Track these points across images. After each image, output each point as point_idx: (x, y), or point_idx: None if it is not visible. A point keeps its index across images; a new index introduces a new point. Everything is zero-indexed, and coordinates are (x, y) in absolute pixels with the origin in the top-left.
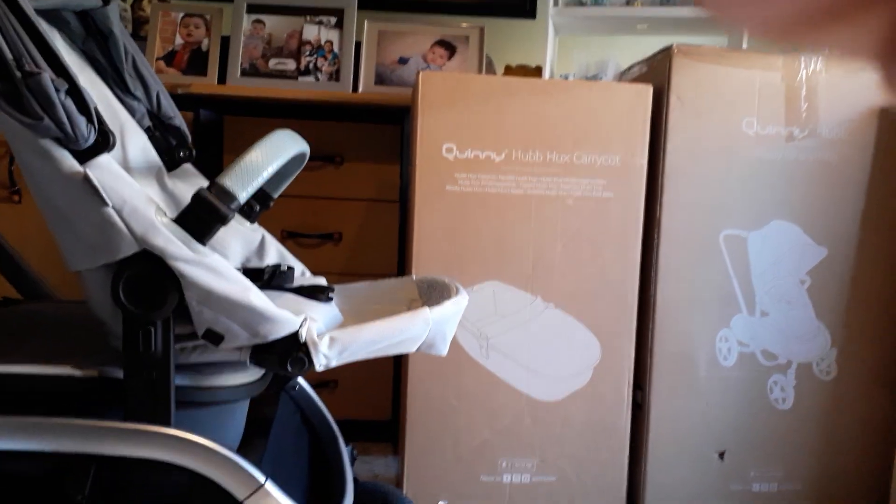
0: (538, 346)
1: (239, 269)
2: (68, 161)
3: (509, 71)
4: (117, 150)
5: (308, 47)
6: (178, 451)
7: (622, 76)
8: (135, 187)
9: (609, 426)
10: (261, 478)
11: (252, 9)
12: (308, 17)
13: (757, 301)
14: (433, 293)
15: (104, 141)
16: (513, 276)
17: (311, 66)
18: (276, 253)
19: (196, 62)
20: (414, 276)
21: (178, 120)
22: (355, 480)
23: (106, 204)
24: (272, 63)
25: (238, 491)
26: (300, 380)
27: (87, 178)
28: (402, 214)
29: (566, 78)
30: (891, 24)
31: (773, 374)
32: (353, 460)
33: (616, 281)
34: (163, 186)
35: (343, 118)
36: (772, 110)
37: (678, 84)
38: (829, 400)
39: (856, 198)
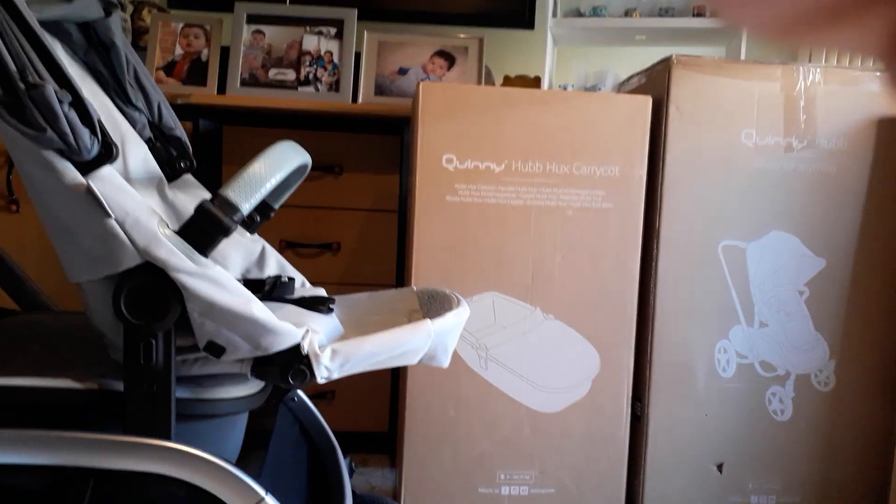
0: (537, 357)
1: (239, 281)
2: (71, 173)
3: (508, 81)
4: (118, 161)
5: (308, 58)
6: (177, 464)
7: (621, 87)
8: (137, 199)
9: (608, 437)
10: (261, 491)
11: (252, 19)
12: (308, 28)
13: (756, 312)
14: (434, 304)
15: (107, 152)
16: (512, 286)
17: (310, 76)
18: (276, 264)
19: (196, 72)
20: (414, 287)
21: (179, 131)
22: (353, 493)
23: (108, 216)
24: (272, 73)
25: None
26: (299, 391)
27: (89, 190)
28: (401, 224)
29: (565, 88)
30: (894, 22)
31: (772, 386)
32: (351, 473)
33: (615, 292)
34: (163, 197)
35: (342, 128)
36: (771, 121)
37: (677, 95)
38: (827, 411)
39: (854, 208)
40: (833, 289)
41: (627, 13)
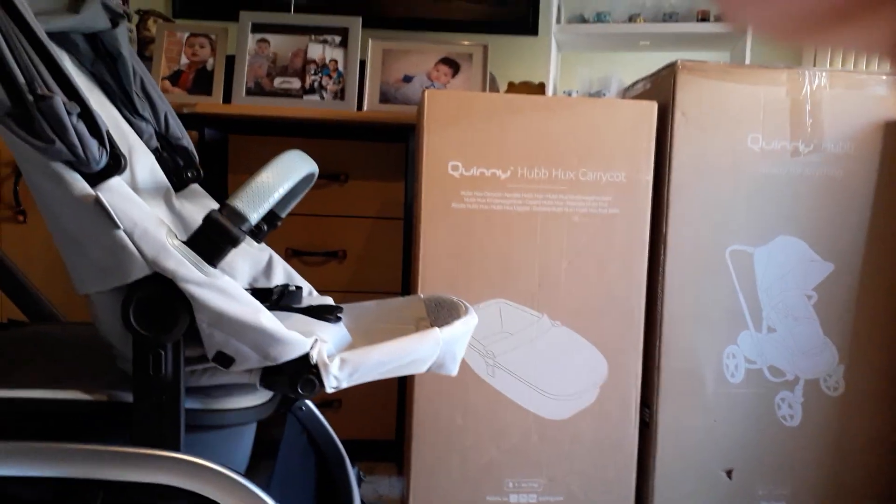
0: (545, 364)
1: (247, 290)
2: (79, 184)
3: (512, 88)
4: (126, 171)
5: (313, 66)
6: (187, 475)
7: (626, 92)
8: (145, 210)
9: (616, 444)
10: (270, 502)
11: (257, 28)
12: (313, 36)
13: (764, 317)
14: (441, 312)
15: (115, 164)
16: (519, 293)
17: (315, 84)
18: (283, 273)
19: (201, 81)
20: (421, 295)
21: (186, 140)
22: (362, 502)
23: (117, 227)
24: (277, 82)
25: None
26: (307, 400)
27: (98, 202)
28: (407, 232)
29: (569, 94)
30: None
31: (781, 391)
32: (359, 482)
33: (622, 297)
34: (171, 207)
35: (348, 136)
36: (777, 125)
37: (683, 100)
38: (837, 416)
39: (862, 212)
40: (841, 293)
41: (631, 19)
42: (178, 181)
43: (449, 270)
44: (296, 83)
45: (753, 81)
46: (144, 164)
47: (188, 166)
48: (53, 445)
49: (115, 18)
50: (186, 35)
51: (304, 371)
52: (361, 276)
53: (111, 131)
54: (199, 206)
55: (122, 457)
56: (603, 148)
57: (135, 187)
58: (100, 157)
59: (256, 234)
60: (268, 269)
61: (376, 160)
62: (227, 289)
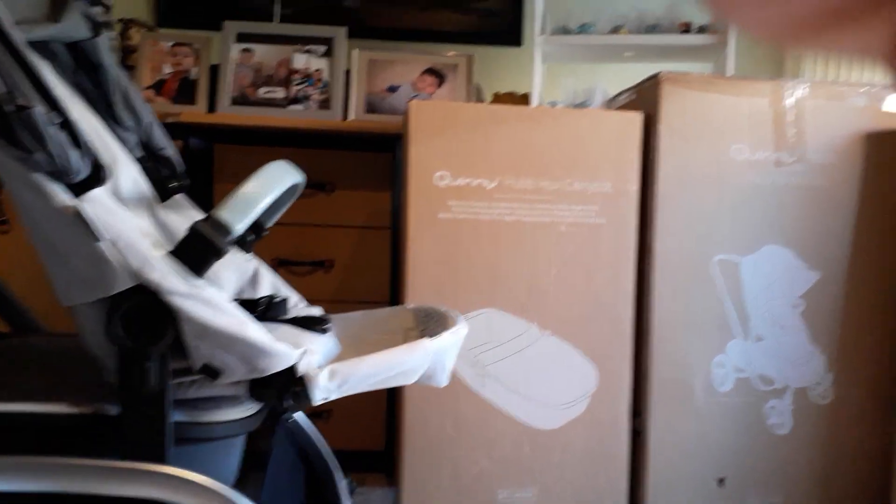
0: (535, 373)
1: (233, 301)
2: (60, 195)
3: (497, 98)
4: (109, 182)
5: (297, 76)
6: (174, 489)
7: (610, 103)
8: (128, 221)
9: (608, 453)
10: None
11: (241, 38)
12: (297, 46)
13: (752, 326)
14: (430, 323)
15: (97, 174)
16: (507, 303)
17: (300, 94)
18: (269, 283)
19: (185, 91)
20: (410, 305)
21: (170, 150)
22: None
23: (100, 238)
24: (261, 91)
25: None
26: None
27: (79, 213)
28: (394, 241)
29: (554, 105)
30: None
31: (770, 400)
32: (351, 492)
33: (610, 306)
34: (155, 218)
35: (333, 146)
36: (760, 136)
37: (667, 111)
38: (826, 424)
39: (846, 221)
40: (828, 301)
41: (615, 30)
42: (163, 191)
43: (437, 280)
44: (280, 93)
45: (736, 93)
46: (128, 174)
47: (173, 176)
48: (38, 460)
49: (96, 27)
50: (170, 44)
51: (292, 383)
52: (349, 286)
53: (94, 141)
54: (183, 216)
55: (108, 471)
56: (589, 158)
57: (118, 198)
58: (81, 168)
59: (243, 244)
60: (254, 279)
61: (363, 170)
62: (213, 300)
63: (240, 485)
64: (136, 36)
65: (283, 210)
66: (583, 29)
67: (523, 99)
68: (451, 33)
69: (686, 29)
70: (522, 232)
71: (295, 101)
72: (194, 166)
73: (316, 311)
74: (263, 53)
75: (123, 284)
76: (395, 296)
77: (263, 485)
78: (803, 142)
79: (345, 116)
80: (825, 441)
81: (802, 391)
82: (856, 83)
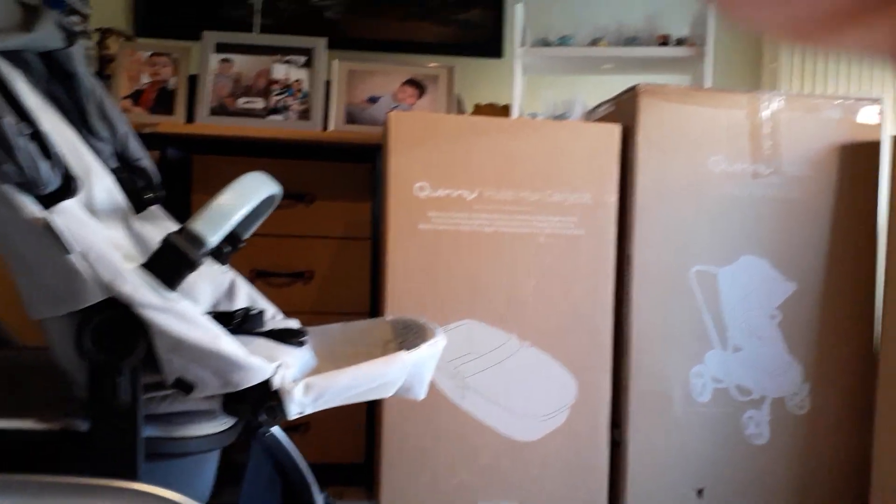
0: (515, 385)
1: (209, 313)
2: (30, 207)
3: (478, 109)
4: (82, 193)
5: (277, 86)
6: None
7: (589, 115)
8: (100, 233)
9: (588, 465)
10: None
11: (220, 48)
12: (277, 57)
13: (729, 336)
14: (409, 335)
15: (68, 186)
16: (487, 314)
17: (280, 104)
18: (246, 295)
19: (163, 101)
20: (388, 317)
21: (146, 161)
22: None
23: (70, 251)
24: (241, 102)
25: None
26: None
27: (49, 225)
28: (374, 252)
29: (534, 116)
30: None
31: (748, 410)
32: None
33: (589, 318)
34: (129, 229)
35: (313, 157)
36: (737, 148)
37: (645, 123)
38: (803, 434)
39: (822, 233)
40: (804, 312)
41: (594, 42)
42: (138, 202)
43: (417, 291)
44: (259, 103)
45: (713, 105)
46: (102, 185)
47: (148, 187)
48: (6, 477)
49: (70, 37)
50: (148, 54)
51: (267, 397)
52: (328, 298)
53: (67, 152)
54: (159, 227)
55: (77, 488)
56: (568, 170)
57: (92, 209)
58: (51, 180)
59: (219, 256)
60: (230, 291)
61: (343, 180)
62: (186, 313)
63: (215, 500)
64: (113, 45)
65: (260, 221)
66: (563, 41)
67: (504, 110)
68: (432, 44)
69: (664, 41)
70: (502, 243)
71: (274, 111)
72: (172, 177)
73: (293, 324)
74: (243, 64)
75: (94, 297)
76: (374, 307)
77: (239, 500)
78: (779, 154)
79: (325, 127)
80: (802, 451)
81: (780, 401)
82: (831, 96)
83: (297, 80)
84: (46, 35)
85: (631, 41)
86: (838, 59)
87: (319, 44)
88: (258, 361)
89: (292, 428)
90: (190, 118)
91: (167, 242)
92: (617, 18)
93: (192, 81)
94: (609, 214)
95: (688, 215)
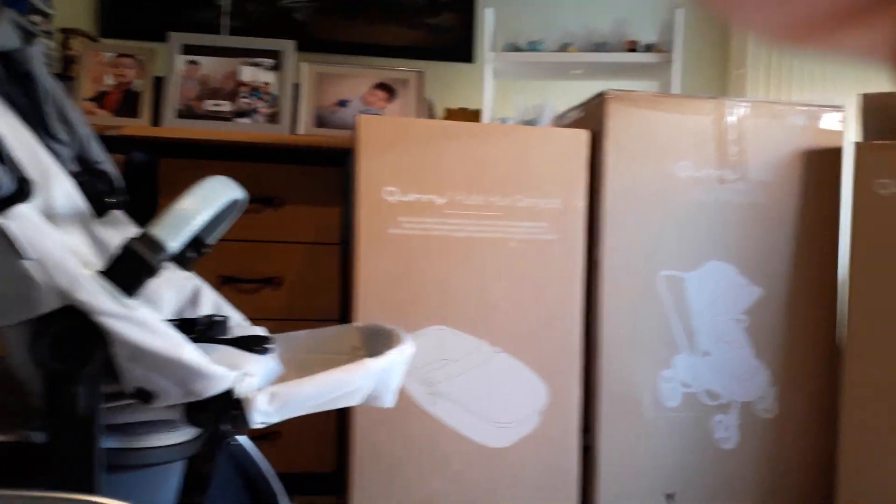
0: (486, 390)
1: (172, 321)
2: None
3: (449, 114)
4: (41, 197)
5: (245, 89)
6: None
7: (559, 120)
8: (56, 238)
9: (559, 470)
10: None
11: (187, 49)
12: (244, 59)
13: (697, 341)
14: (377, 341)
15: (23, 190)
16: (458, 320)
17: (248, 107)
18: (211, 302)
19: (128, 103)
20: (357, 324)
21: (107, 164)
22: None
23: (25, 257)
24: (208, 104)
25: None
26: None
27: (2, 230)
28: (344, 257)
29: (505, 121)
30: None
31: (717, 414)
32: None
33: (560, 323)
34: (91, 234)
35: (282, 160)
36: (704, 154)
37: (613, 129)
38: (771, 438)
39: (787, 238)
40: (770, 317)
41: (563, 48)
42: (100, 207)
43: (387, 297)
44: (227, 106)
45: (680, 111)
46: (62, 189)
47: (110, 191)
48: None
49: (28, 37)
50: (112, 55)
51: (230, 406)
52: (298, 304)
53: (23, 155)
54: (121, 233)
55: (33, 501)
56: (538, 175)
57: (50, 214)
58: (4, 183)
59: (182, 262)
60: (195, 298)
61: (312, 184)
62: (146, 321)
63: None
64: (77, 46)
65: (225, 226)
66: (532, 46)
67: (475, 115)
68: (403, 48)
69: (633, 47)
70: (472, 248)
71: (242, 114)
72: (138, 181)
73: (259, 331)
74: (210, 66)
75: (50, 305)
76: (345, 313)
77: None
78: (745, 159)
79: (293, 130)
80: (770, 455)
81: (748, 405)
82: (795, 102)
83: (265, 83)
84: (3, 34)
85: (600, 47)
86: (803, 66)
87: (288, 46)
88: (221, 370)
89: (262, 436)
90: (156, 121)
91: (126, 248)
92: (586, 24)
93: (158, 83)
94: (578, 220)
95: (655, 220)
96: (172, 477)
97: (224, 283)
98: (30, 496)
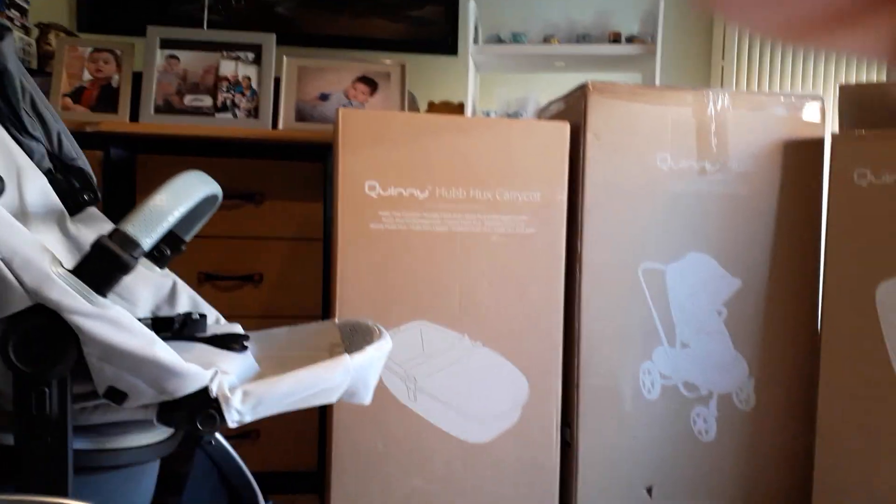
0: (467, 385)
1: (149, 319)
2: None
3: (433, 107)
4: (13, 194)
5: (225, 83)
6: None
7: (541, 113)
8: (26, 236)
9: (539, 465)
10: None
11: (166, 44)
12: (224, 53)
13: (677, 333)
14: (356, 337)
15: None
16: (440, 314)
17: (228, 102)
18: (188, 300)
19: (106, 99)
20: (336, 320)
21: (82, 161)
22: None
23: None
24: (188, 99)
25: None
26: (216, 433)
27: None
28: (326, 254)
29: (488, 114)
30: None
31: (696, 406)
32: None
33: (541, 316)
34: (65, 232)
35: (263, 155)
36: (684, 146)
37: (594, 121)
38: (749, 430)
39: (767, 229)
40: (749, 309)
41: (546, 39)
42: (74, 204)
43: (368, 292)
44: (207, 101)
45: (661, 102)
46: (34, 186)
47: (85, 188)
48: None
49: (1, 31)
50: (89, 50)
51: (204, 405)
52: (279, 301)
53: None
54: (95, 230)
55: None
56: (519, 168)
57: (23, 211)
58: None
59: (158, 259)
60: (171, 296)
61: (293, 180)
62: (119, 319)
63: None
64: (54, 41)
65: (202, 223)
66: (515, 38)
67: (458, 108)
68: (385, 41)
69: (616, 39)
70: (454, 242)
71: (222, 109)
72: (116, 178)
73: (236, 329)
74: (189, 60)
75: (19, 304)
76: (327, 310)
77: None
78: (726, 151)
79: (275, 125)
80: (748, 447)
81: (727, 397)
82: (775, 93)
83: (245, 77)
84: None
85: (582, 38)
86: (785, 57)
87: (269, 40)
88: (194, 368)
89: (242, 436)
90: (134, 117)
91: (98, 245)
92: (569, 15)
93: (137, 79)
94: (559, 213)
95: (636, 212)
96: (147, 478)
97: (205, 281)
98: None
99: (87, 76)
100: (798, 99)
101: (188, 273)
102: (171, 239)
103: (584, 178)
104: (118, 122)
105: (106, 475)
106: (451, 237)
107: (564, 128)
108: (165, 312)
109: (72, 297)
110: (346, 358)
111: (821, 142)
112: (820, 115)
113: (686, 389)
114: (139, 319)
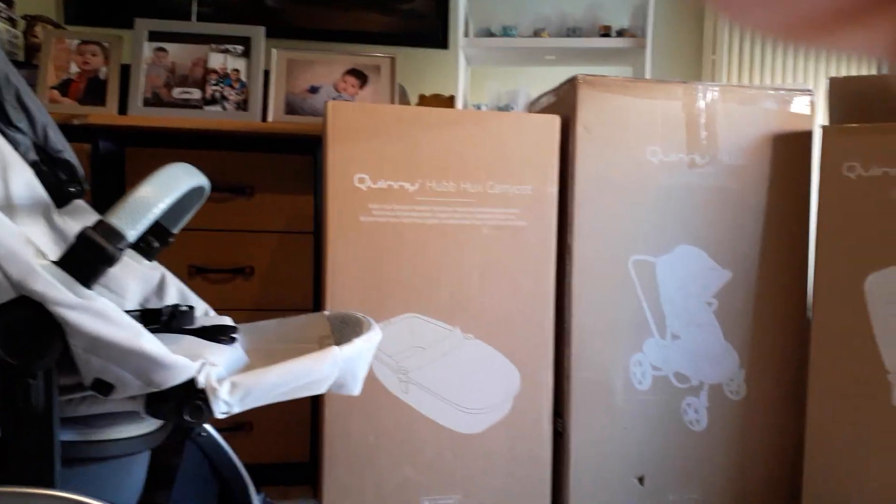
0: (458, 378)
1: (137, 311)
2: None
3: (423, 100)
4: None
5: (214, 76)
6: None
7: (531, 106)
8: (10, 228)
9: (531, 456)
10: None
11: (154, 36)
12: (213, 46)
13: (668, 325)
14: (345, 329)
15: None
16: (431, 307)
17: (217, 95)
18: (176, 292)
19: (94, 91)
20: (326, 312)
21: (68, 153)
22: None
23: None
24: (176, 92)
25: None
26: (207, 425)
27: None
28: (317, 246)
29: (479, 107)
30: None
31: (687, 397)
32: None
33: (532, 308)
34: (51, 224)
35: (253, 148)
36: (674, 139)
37: (584, 114)
38: (740, 420)
39: (756, 222)
40: (739, 300)
41: (537, 33)
42: (61, 196)
43: (358, 285)
44: (196, 93)
45: (651, 96)
46: (20, 178)
47: (71, 180)
48: None
49: None
50: (77, 42)
51: (191, 396)
52: (270, 293)
53: None
54: (82, 222)
55: None
56: (510, 161)
57: (9, 203)
58: None
59: (146, 251)
60: (160, 288)
61: (283, 173)
62: (104, 311)
63: None
64: (41, 33)
65: (190, 215)
66: (505, 32)
67: (449, 101)
68: (376, 34)
69: (606, 32)
70: (445, 235)
71: (211, 102)
72: (105, 171)
73: (225, 321)
74: (178, 53)
75: (4, 296)
76: (318, 303)
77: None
78: (715, 144)
79: (264, 118)
80: (739, 437)
81: (717, 388)
82: (765, 86)
83: (234, 70)
84: None
85: (573, 32)
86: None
87: (258, 32)
88: (181, 360)
89: (236, 427)
90: (123, 109)
91: (83, 237)
92: (559, 9)
93: (125, 71)
94: (550, 206)
95: (627, 205)
96: (136, 469)
97: (195, 274)
98: None
99: (74, 69)
100: (788, 92)
101: (178, 266)
102: (159, 231)
103: (575, 171)
104: (107, 114)
105: (95, 467)
106: (441, 230)
107: (555, 121)
108: (154, 305)
109: (56, 289)
110: (334, 350)
111: (810, 135)
112: (809, 109)
113: (677, 380)
114: (127, 311)
